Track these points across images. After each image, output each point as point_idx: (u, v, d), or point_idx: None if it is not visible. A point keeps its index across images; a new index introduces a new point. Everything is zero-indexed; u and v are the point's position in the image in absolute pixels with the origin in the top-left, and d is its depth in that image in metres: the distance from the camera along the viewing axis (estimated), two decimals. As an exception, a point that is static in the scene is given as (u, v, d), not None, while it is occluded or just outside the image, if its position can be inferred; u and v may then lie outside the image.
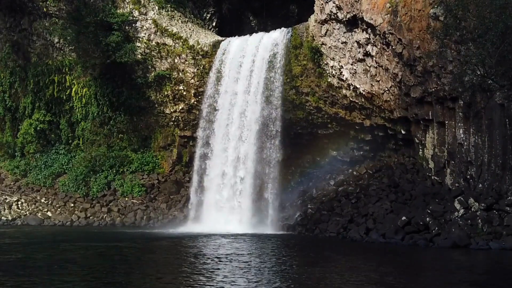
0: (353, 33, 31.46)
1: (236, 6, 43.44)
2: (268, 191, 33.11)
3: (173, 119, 39.21)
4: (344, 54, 32.12)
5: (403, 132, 32.37)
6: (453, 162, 28.72)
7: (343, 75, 32.42)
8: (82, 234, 30.85)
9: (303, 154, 37.03)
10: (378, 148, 34.91)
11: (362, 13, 30.20)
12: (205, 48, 36.49)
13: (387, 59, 30.28)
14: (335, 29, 32.06)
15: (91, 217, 37.51)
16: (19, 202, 39.00)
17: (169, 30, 37.62)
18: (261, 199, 33.02)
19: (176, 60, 37.46)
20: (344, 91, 32.92)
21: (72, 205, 38.66)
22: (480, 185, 26.98)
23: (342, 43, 32.04)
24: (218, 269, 18.08)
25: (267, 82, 33.53)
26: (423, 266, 20.25)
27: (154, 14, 38.14)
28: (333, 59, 32.55)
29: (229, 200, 33.26)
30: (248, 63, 34.21)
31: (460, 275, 18.06)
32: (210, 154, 34.68)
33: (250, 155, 33.10)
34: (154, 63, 38.12)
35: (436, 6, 27.14)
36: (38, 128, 41.45)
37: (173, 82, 37.93)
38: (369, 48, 30.92)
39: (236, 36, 36.42)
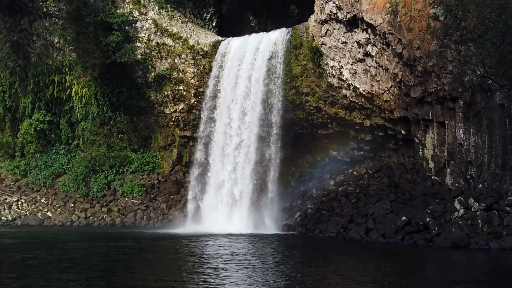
0: (353, 33, 31.46)
1: (236, 6, 43.41)
2: (268, 191, 33.10)
3: (173, 119, 39.20)
4: (344, 54, 32.12)
5: (403, 132, 32.37)
6: (453, 162, 28.73)
7: (343, 75, 32.41)
8: (82, 234, 30.86)
9: (303, 154, 37.03)
10: (378, 148, 34.90)
11: (362, 13, 30.20)
12: (205, 48, 36.47)
13: (387, 59, 30.29)
14: (335, 29, 32.06)
15: (91, 217, 37.52)
16: (19, 202, 39.00)
17: (169, 30, 37.61)
18: (261, 199, 33.02)
19: (176, 60, 37.46)
20: (344, 91, 32.92)
21: (72, 205, 38.66)
22: (480, 185, 26.98)
23: (342, 43, 32.05)
24: (218, 268, 18.09)
25: (267, 82, 33.51)
26: (423, 266, 20.25)
27: (154, 14, 38.14)
28: (333, 59, 32.55)
29: (229, 200, 33.29)
30: (248, 63, 34.18)
31: (460, 275, 18.08)
32: (210, 154, 34.66)
33: (251, 157, 33.09)
34: (154, 63, 38.12)
35: (436, 6, 27.15)
36: (38, 128, 41.39)
37: (173, 82, 37.92)
38: (369, 48, 30.93)
39: (236, 36, 36.42)
